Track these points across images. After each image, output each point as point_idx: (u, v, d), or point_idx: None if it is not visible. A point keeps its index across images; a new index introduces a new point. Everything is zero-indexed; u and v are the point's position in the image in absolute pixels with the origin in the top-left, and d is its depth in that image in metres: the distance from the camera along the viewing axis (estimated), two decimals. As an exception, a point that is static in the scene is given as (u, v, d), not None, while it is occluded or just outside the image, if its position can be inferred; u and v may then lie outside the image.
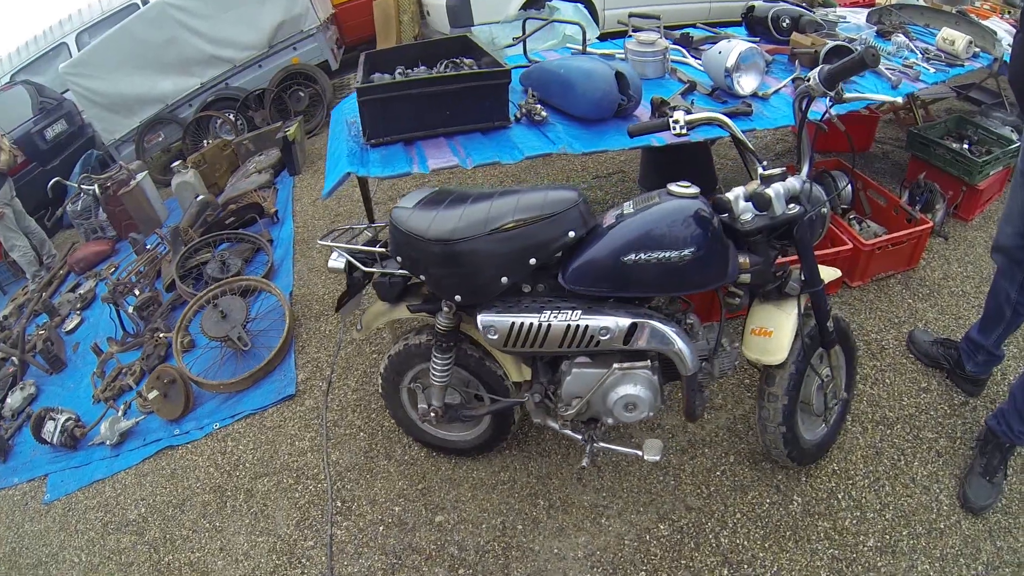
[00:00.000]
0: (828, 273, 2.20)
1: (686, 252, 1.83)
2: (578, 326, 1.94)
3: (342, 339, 3.49)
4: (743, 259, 1.95)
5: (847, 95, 1.92)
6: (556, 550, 2.36)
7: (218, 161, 5.19)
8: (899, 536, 2.28)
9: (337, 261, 2.22)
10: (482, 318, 2.01)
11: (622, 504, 2.44)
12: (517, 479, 2.60)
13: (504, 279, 1.95)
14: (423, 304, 2.20)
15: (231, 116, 5.90)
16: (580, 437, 2.23)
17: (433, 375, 2.27)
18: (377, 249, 2.20)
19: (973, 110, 3.90)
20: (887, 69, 3.14)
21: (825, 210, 2.10)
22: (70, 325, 4.28)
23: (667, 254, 1.84)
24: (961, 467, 2.48)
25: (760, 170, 1.93)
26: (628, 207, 1.96)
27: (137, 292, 3.69)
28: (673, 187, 1.93)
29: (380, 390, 2.54)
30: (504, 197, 1.99)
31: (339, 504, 2.67)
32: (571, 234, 1.91)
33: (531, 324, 1.97)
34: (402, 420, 2.64)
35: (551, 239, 1.91)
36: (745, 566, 2.22)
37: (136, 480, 3.07)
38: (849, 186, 3.44)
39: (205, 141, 5.86)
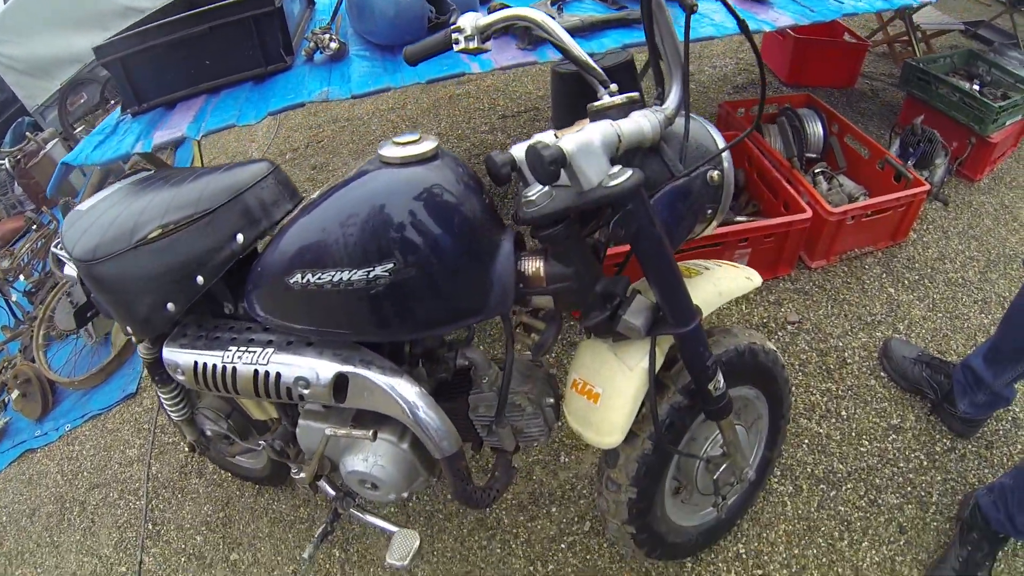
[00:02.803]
0: (731, 285, 1.16)
1: (378, 271, 0.92)
2: (268, 372, 1.10)
3: None
4: (535, 268, 0.99)
5: None
6: (345, 623, 1.60)
7: None
8: None
9: (72, 268, 1.49)
10: (166, 352, 1.22)
11: (430, 572, 1.59)
12: (316, 519, 1.80)
13: (171, 306, 1.14)
14: None
15: None
16: (332, 493, 1.39)
17: (166, 409, 1.51)
18: None
19: (983, 49, 2.65)
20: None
21: (715, 174, 1.03)
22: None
23: (344, 274, 0.93)
24: (931, 551, 1.48)
25: (603, 98, 0.93)
26: (320, 191, 1.04)
27: (22, 277, 3.12)
28: (386, 148, 0.98)
29: None
30: (172, 188, 1.19)
31: (151, 527, 2.02)
32: (239, 238, 1.11)
33: (215, 366, 1.14)
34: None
35: (212, 248, 1.11)
36: None
37: (2, 485, 2.52)
38: (820, 128, 2.30)
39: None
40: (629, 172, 0.86)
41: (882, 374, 1.88)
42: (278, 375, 1.10)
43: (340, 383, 1.07)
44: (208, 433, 1.64)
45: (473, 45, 0.96)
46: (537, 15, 0.93)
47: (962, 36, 2.99)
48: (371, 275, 0.93)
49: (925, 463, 1.67)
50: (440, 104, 3.78)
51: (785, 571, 1.50)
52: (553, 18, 1.05)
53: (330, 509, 1.36)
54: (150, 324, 1.19)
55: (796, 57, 2.62)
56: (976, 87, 2.35)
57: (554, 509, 1.65)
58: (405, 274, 0.93)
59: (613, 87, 0.94)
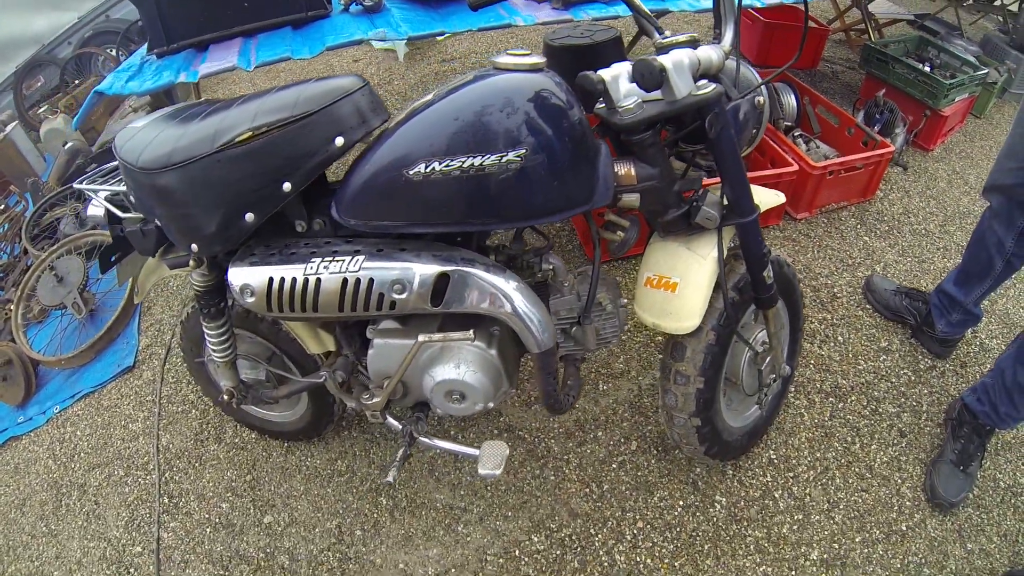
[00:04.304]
0: (767, 197, 1.33)
1: (511, 155, 0.98)
2: (359, 280, 1.10)
3: (188, 295, 2.55)
4: (625, 170, 1.10)
5: None
6: (402, 564, 1.55)
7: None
8: (851, 544, 1.48)
9: (96, 207, 1.38)
10: (233, 273, 1.17)
11: (485, 507, 1.61)
12: (357, 470, 1.77)
13: (249, 215, 1.10)
14: (180, 257, 1.35)
15: (112, 52, 4.46)
16: (400, 426, 1.38)
17: (210, 349, 1.44)
18: None
19: (928, 38, 2.97)
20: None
21: (761, 100, 1.22)
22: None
23: (476, 160, 0.98)
24: (928, 450, 1.65)
25: (658, 39, 1.07)
26: (426, 95, 1.08)
27: (-11, 259, 2.86)
28: (502, 57, 1.05)
29: (185, 364, 1.72)
30: (254, 99, 1.12)
31: (167, 500, 1.89)
32: (339, 141, 1.07)
33: (295, 280, 1.12)
34: (215, 399, 1.80)
35: (308, 151, 1.07)
36: (643, 592, 1.42)
37: (-16, 478, 2.31)
38: (794, 99, 2.50)
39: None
40: (714, 84, 1.02)
41: (867, 306, 2.07)
42: (371, 281, 1.10)
43: (439, 285, 1.07)
44: (247, 380, 1.57)
45: None
46: None
47: (910, 27, 3.30)
48: (504, 159, 0.99)
49: (912, 378, 1.86)
50: (427, 80, 3.79)
51: (811, 472, 1.64)
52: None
53: (404, 433, 1.32)
54: (222, 237, 1.14)
55: (764, 40, 2.84)
56: (927, 68, 2.60)
57: (600, 433, 1.70)
58: (533, 160, 1.00)
59: (667, 32, 1.09)
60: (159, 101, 3.38)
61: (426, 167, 1.00)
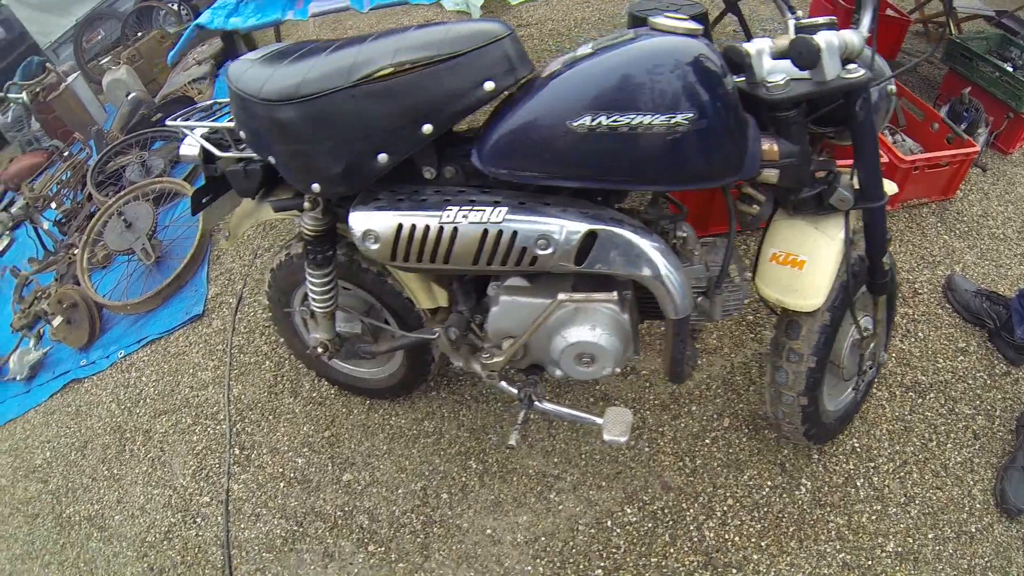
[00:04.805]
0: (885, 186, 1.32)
1: (679, 118, 0.95)
2: (501, 232, 1.06)
3: (260, 245, 2.51)
4: (768, 145, 1.08)
5: None
6: (489, 530, 1.54)
7: (156, 55, 3.89)
8: (923, 540, 1.49)
9: (190, 146, 1.33)
10: (356, 217, 1.12)
11: (578, 475, 1.60)
12: (445, 432, 1.75)
13: (383, 156, 1.06)
14: (289, 200, 1.30)
15: (173, 6, 4.47)
16: (516, 391, 1.36)
17: (312, 298, 1.40)
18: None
19: (1009, 37, 2.89)
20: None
21: (891, 88, 1.22)
22: (0, 247, 3.31)
23: (646, 119, 0.95)
24: (999, 455, 1.65)
25: (791, 22, 1.06)
26: (585, 47, 1.04)
27: (54, 205, 2.82)
28: (660, 18, 1.01)
29: (270, 314, 1.68)
30: (390, 36, 1.07)
31: (237, 452, 1.87)
32: (488, 85, 1.01)
33: (428, 227, 1.09)
34: (300, 352, 1.77)
35: (455, 93, 1.01)
36: (734, 571, 1.41)
37: (44, 419, 2.27)
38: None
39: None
40: (863, 69, 1.01)
41: (947, 305, 2.03)
42: (514, 234, 1.06)
43: (585, 242, 1.04)
44: (342, 334, 1.53)
45: None
46: None
47: (987, 23, 3.21)
48: (672, 121, 0.96)
49: (988, 382, 1.85)
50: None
51: (891, 464, 1.63)
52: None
53: (523, 396, 1.30)
54: (350, 178, 1.10)
55: (845, 26, 2.76)
56: (1009, 68, 2.54)
57: (694, 408, 1.69)
58: (699, 125, 0.97)
59: (799, 13, 1.09)
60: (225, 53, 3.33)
61: (592, 119, 0.97)
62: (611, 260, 1.07)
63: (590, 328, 1.17)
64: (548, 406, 1.33)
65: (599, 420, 1.27)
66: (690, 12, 2.08)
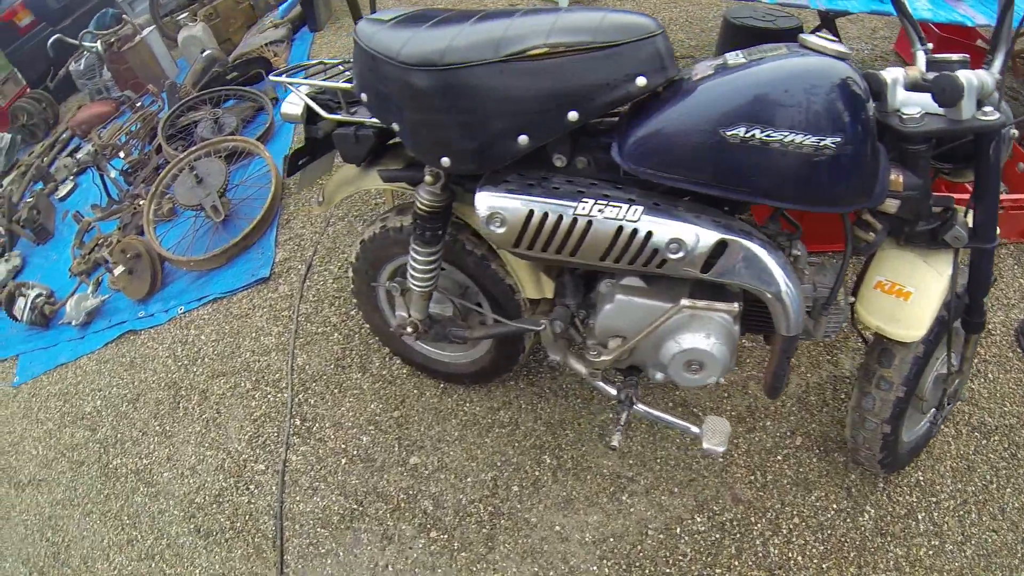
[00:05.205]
0: None
1: (828, 141, 0.94)
2: (635, 231, 1.05)
3: (332, 213, 2.49)
4: (895, 176, 1.07)
5: None
6: (558, 527, 1.54)
7: (233, 15, 3.96)
8: None
9: (294, 105, 1.31)
10: (484, 198, 1.11)
11: (652, 479, 1.60)
12: (520, 423, 1.75)
13: (523, 138, 1.04)
14: (402, 171, 1.28)
15: None
16: (615, 393, 1.36)
17: (412, 276, 1.39)
18: (349, 86, 1.24)
19: None
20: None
21: (1015, 132, 1.18)
22: (63, 192, 3.36)
23: (798, 137, 0.94)
24: None
25: (921, 54, 1.03)
26: (735, 56, 1.02)
27: (122, 155, 2.83)
28: (810, 37, 0.99)
29: (352, 286, 1.66)
30: (536, 14, 1.04)
31: (298, 423, 1.87)
32: (641, 81, 0.99)
33: (561, 217, 1.08)
34: (378, 328, 1.76)
35: (607, 83, 0.99)
36: (797, 588, 1.41)
37: (97, 367, 2.27)
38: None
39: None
40: (999, 113, 0.99)
41: (1018, 349, 1.99)
42: (648, 235, 1.05)
43: (715, 251, 1.03)
44: (433, 315, 1.53)
45: None
46: None
47: None
48: (821, 143, 0.95)
49: None
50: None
51: (952, 502, 1.63)
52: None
53: (624, 398, 1.30)
54: (485, 156, 1.07)
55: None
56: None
57: (769, 423, 1.69)
58: (844, 150, 0.96)
59: (930, 45, 1.07)
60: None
61: (746, 131, 0.96)
62: (737, 272, 1.07)
63: (705, 336, 1.16)
64: (646, 409, 1.33)
65: (695, 428, 1.26)
66: (786, 24, 2.05)
